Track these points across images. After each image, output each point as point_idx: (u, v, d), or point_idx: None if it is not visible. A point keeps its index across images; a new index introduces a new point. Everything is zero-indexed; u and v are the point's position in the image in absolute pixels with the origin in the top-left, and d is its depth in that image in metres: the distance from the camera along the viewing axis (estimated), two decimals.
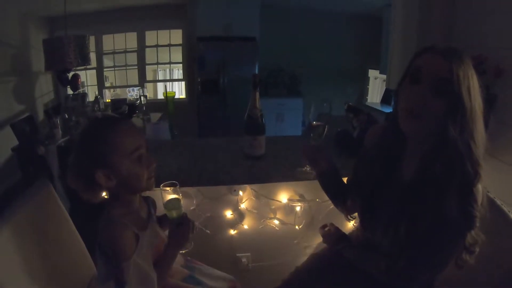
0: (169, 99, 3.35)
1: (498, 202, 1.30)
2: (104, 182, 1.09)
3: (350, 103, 2.02)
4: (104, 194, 1.20)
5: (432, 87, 0.99)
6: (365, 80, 6.79)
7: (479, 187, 1.01)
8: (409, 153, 1.17)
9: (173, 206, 1.28)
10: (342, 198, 1.45)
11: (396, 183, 1.18)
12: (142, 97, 4.38)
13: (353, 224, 1.56)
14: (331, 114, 1.49)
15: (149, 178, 1.17)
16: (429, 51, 1.04)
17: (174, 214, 1.29)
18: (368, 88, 6.79)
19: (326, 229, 1.54)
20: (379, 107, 5.53)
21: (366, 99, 6.69)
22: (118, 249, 1.07)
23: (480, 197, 1.01)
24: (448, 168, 1.00)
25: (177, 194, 1.28)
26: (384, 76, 5.73)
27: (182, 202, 1.30)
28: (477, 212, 1.00)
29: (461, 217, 0.99)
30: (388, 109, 5.19)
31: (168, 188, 1.27)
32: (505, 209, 1.27)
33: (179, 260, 1.42)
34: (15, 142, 3.71)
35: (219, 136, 2.21)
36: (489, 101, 2.05)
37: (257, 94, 1.72)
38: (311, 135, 1.50)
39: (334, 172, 1.47)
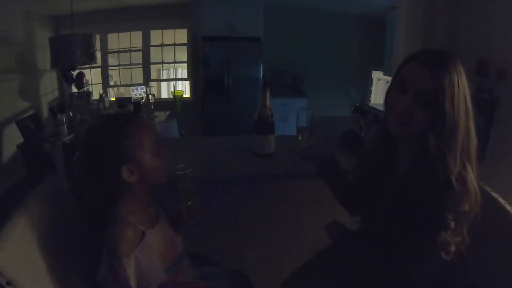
0: (177, 98, 3.36)
1: (501, 200, 1.32)
2: (128, 177, 1.12)
3: (357, 104, 2.05)
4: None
5: (416, 98, 1.04)
6: (368, 81, 6.79)
7: (463, 191, 1.04)
8: (402, 150, 1.22)
9: (186, 188, 1.32)
10: (346, 194, 1.48)
11: (391, 179, 1.22)
12: (150, 96, 4.39)
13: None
14: (314, 122, 1.53)
15: (166, 172, 1.22)
16: (414, 60, 1.07)
17: (186, 197, 1.33)
18: (371, 89, 6.79)
19: (331, 225, 1.58)
20: (382, 108, 5.53)
21: (369, 100, 6.70)
22: (118, 247, 1.09)
23: (460, 202, 1.04)
24: (425, 171, 1.05)
25: (191, 179, 1.31)
26: (387, 78, 5.74)
27: (195, 187, 1.34)
28: (450, 216, 1.03)
29: (433, 218, 1.03)
30: None
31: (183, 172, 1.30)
32: (508, 208, 1.29)
33: (189, 259, 1.44)
34: (20, 139, 3.74)
35: (223, 135, 2.23)
36: (492, 103, 2.08)
37: (268, 94, 1.75)
38: (299, 138, 1.55)
39: (331, 163, 1.50)
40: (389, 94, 1.15)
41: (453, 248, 1.08)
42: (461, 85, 1.02)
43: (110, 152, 1.11)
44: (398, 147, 1.23)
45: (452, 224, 1.04)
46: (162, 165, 1.19)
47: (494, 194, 1.33)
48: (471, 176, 1.06)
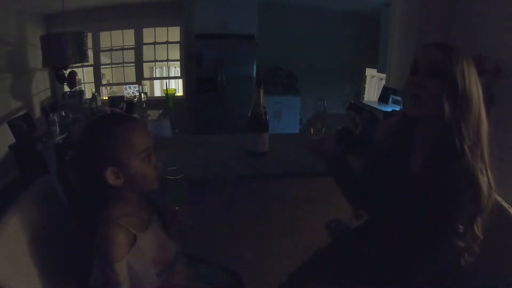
0: (169, 96, 3.35)
1: (499, 198, 1.32)
2: (112, 180, 1.09)
3: (352, 101, 2.04)
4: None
5: (427, 71, 1.10)
6: (362, 78, 6.80)
7: (482, 176, 1.06)
8: (417, 145, 1.23)
9: (175, 194, 1.29)
10: (352, 187, 1.47)
11: (404, 175, 1.22)
12: (142, 94, 4.36)
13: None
14: (327, 113, 1.53)
15: (156, 178, 1.17)
16: (427, 45, 1.15)
17: (174, 202, 1.31)
18: (365, 86, 6.81)
19: (332, 223, 1.56)
20: (376, 106, 5.54)
21: (363, 98, 6.71)
22: (109, 251, 1.07)
23: (482, 185, 1.05)
24: (448, 149, 1.07)
25: (182, 183, 1.29)
26: (381, 75, 5.75)
27: (185, 192, 1.31)
28: (466, 203, 1.04)
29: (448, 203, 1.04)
30: (385, 108, 5.20)
31: (173, 177, 1.27)
32: (505, 205, 1.29)
33: (182, 260, 1.42)
34: (12, 139, 3.70)
35: (216, 134, 2.21)
36: (487, 100, 2.08)
37: (261, 91, 1.74)
38: (312, 131, 1.54)
39: (342, 159, 1.49)
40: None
41: (462, 235, 1.08)
42: (471, 70, 1.09)
43: (96, 152, 1.09)
44: (413, 141, 1.24)
45: (466, 209, 1.05)
46: (152, 172, 1.15)
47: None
48: (480, 162, 1.09)
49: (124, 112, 1.15)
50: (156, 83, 7.19)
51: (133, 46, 6.16)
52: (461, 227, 1.04)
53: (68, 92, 4.85)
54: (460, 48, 1.12)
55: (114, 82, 6.56)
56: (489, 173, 1.09)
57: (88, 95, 5.13)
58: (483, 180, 1.05)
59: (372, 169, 1.34)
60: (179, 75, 6.52)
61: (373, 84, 6.56)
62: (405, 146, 1.25)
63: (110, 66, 6.36)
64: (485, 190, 1.05)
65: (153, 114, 4.49)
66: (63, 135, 3.58)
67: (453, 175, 1.05)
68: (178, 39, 6.19)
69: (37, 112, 5.19)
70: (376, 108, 5.27)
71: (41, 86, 5.51)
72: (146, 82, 6.24)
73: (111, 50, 6.22)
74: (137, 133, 1.12)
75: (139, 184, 1.15)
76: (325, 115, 1.53)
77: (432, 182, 1.08)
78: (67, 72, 4.75)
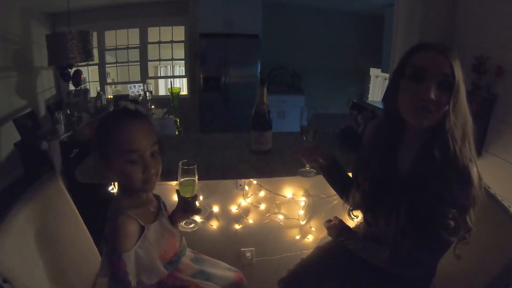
0: (174, 95, 3.35)
1: (499, 197, 1.33)
2: (102, 171, 1.14)
3: (354, 100, 2.05)
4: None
5: (438, 83, 1.07)
6: (366, 78, 6.79)
7: (473, 169, 1.08)
8: (405, 146, 1.23)
9: (188, 184, 1.31)
10: (348, 191, 1.49)
11: (394, 175, 1.23)
12: (147, 93, 4.37)
13: (356, 221, 1.59)
14: (317, 123, 1.54)
15: (145, 182, 1.15)
16: (426, 49, 1.12)
17: (187, 193, 1.32)
18: (369, 86, 6.79)
19: (331, 222, 1.58)
20: (380, 105, 5.53)
21: (367, 97, 6.70)
22: (118, 240, 1.09)
23: (473, 178, 1.07)
24: (443, 154, 1.08)
25: (193, 175, 1.31)
26: (385, 75, 5.74)
27: (197, 183, 1.33)
28: (455, 195, 1.07)
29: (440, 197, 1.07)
30: None
31: (186, 167, 1.29)
32: (506, 204, 1.30)
33: (188, 255, 1.44)
34: (17, 137, 3.72)
35: (220, 132, 2.22)
36: (490, 100, 2.08)
37: (265, 90, 1.74)
38: (304, 138, 1.55)
39: (334, 165, 1.54)
40: (400, 87, 1.16)
41: (457, 229, 1.10)
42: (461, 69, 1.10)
43: (93, 140, 1.16)
44: (400, 144, 1.24)
45: (459, 204, 1.07)
46: (138, 175, 1.13)
47: (492, 191, 1.33)
48: (469, 155, 1.10)
49: (137, 110, 1.14)
50: (161, 82, 7.20)
51: (138, 45, 6.18)
52: (452, 222, 1.07)
53: (73, 91, 4.87)
54: (455, 47, 1.12)
55: (119, 81, 6.59)
56: (477, 164, 1.11)
57: (93, 93, 5.13)
58: (474, 173, 1.07)
59: (361, 171, 1.35)
60: (183, 74, 6.53)
61: (377, 84, 6.55)
62: (392, 148, 1.25)
63: (115, 65, 6.39)
64: (476, 182, 1.07)
65: (158, 112, 4.49)
66: (68, 133, 3.61)
67: (445, 175, 1.07)
68: (182, 38, 6.19)
69: (42, 110, 5.23)
70: (379, 108, 5.27)
71: (46, 84, 5.54)
72: (151, 81, 6.25)
73: (116, 49, 6.24)
74: (126, 133, 1.12)
75: (124, 182, 1.17)
76: (317, 123, 1.54)
77: (423, 182, 1.10)
78: (72, 70, 4.79)
